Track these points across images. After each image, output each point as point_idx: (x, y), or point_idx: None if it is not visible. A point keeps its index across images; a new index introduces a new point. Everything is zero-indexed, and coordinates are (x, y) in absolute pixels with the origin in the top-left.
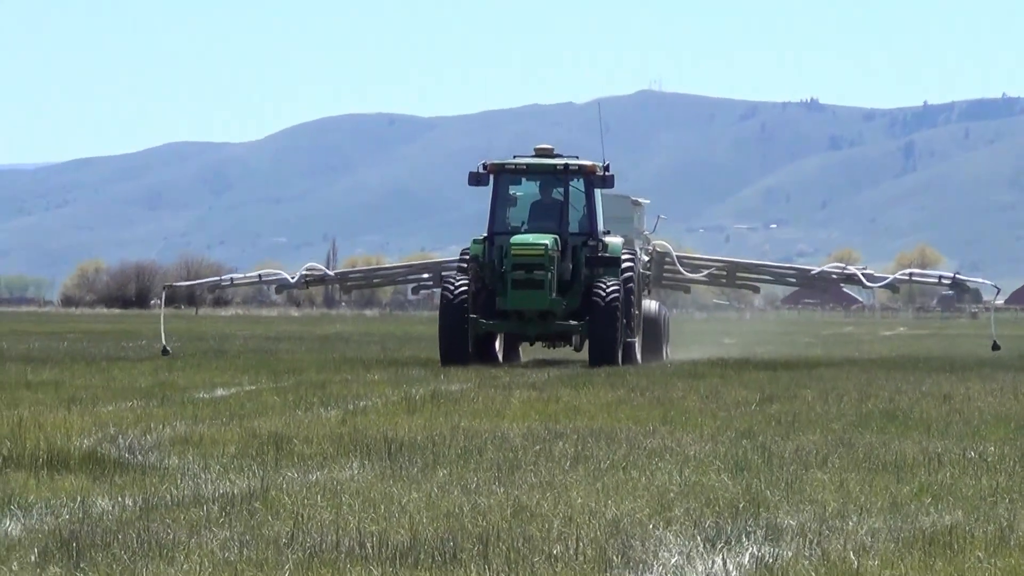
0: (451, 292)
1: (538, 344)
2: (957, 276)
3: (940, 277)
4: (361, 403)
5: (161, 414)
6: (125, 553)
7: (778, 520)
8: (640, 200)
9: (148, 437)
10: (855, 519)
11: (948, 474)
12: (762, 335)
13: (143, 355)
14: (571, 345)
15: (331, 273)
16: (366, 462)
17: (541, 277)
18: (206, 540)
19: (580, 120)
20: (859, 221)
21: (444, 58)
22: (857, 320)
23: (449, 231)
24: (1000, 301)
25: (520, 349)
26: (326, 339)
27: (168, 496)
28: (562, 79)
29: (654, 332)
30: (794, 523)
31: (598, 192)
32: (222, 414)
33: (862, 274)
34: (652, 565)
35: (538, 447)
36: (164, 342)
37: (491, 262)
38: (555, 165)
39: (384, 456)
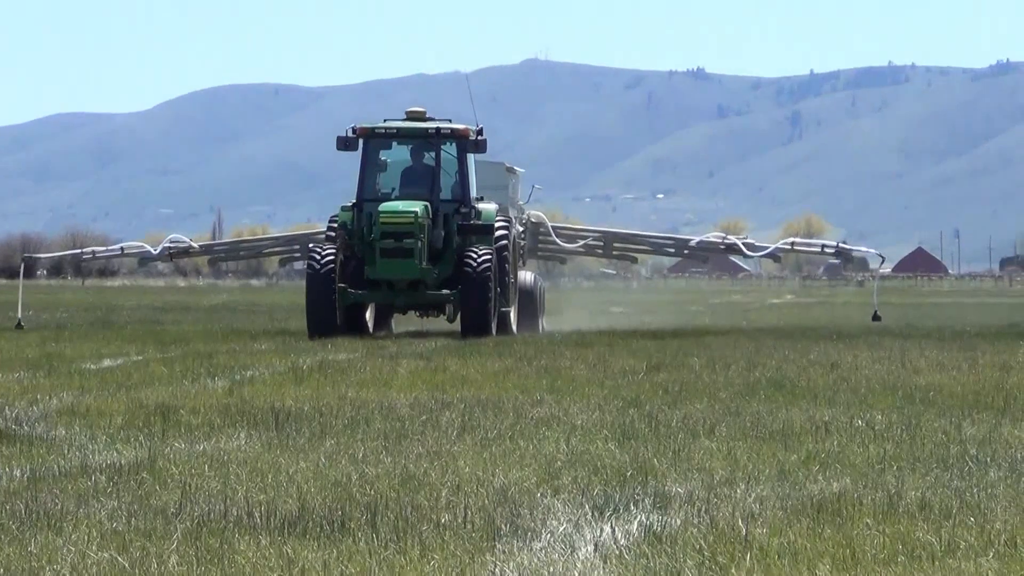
0: (317, 262)
1: (412, 314)
2: (840, 245)
3: (823, 246)
4: (248, 373)
5: (48, 385)
6: (13, 523)
7: (666, 488)
8: (515, 168)
9: (35, 408)
10: (743, 487)
11: (835, 442)
12: (650, 304)
13: (30, 326)
14: (444, 315)
15: (195, 245)
16: (253, 432)
17: (411, 245)
18: (94, 510)
19: (465, 90)
20: (746, 190)
21: (330, 27)
22: (744, 288)
23: (336, 202)
24: (887, 270)
25: (393, 320)
26: (213, 309)
27: (55, 467)
28: (448, 48)
29: (530, 303)
30: (682, 491)
31: (471, 157)
32: (109, 385)
33: (743, 243)
34: (540, 533)
35: (425, 417)
36: (20, 315)
37: (360, 230)
38: (426, 129)
39: (271, 426)
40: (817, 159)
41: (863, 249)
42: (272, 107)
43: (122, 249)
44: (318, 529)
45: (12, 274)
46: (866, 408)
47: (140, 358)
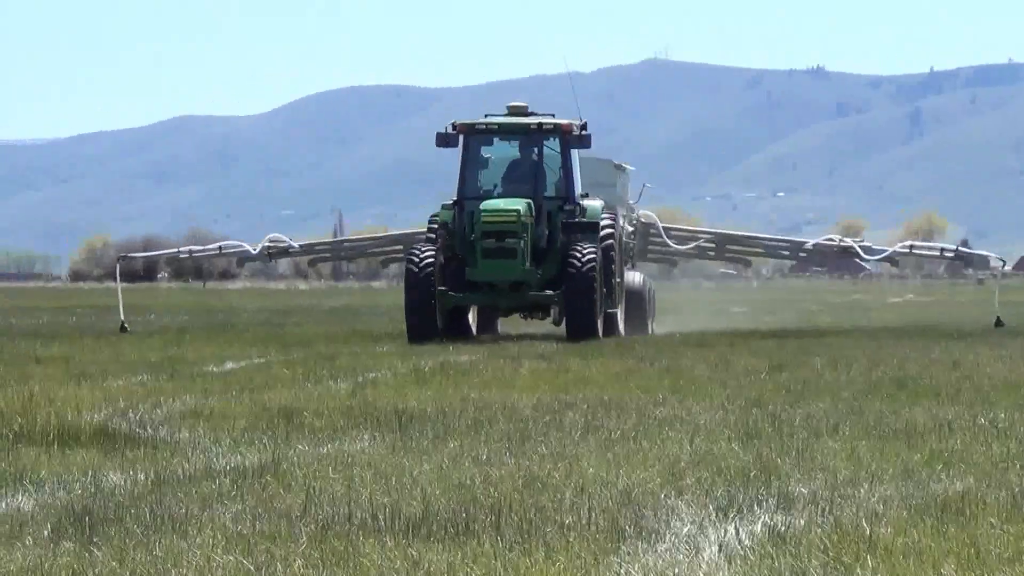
0: (416, 264)
1: (517, 316)
2: (960, 249)
3: (943, 249)
4: (371, 375)
5: (171, 388)
6: (138, 527)
7: (789, 488)
8: (624, 165)
9: (158, 411)
10: (866, 487)
11: (959, 441)
12: (771, 303)
13: (152, 329)
14: (550, 317)
15: (295, 245)
16: (377, 434)
17: (513, 245)
18: (218, 514)
19: (586, 90)
20: (866, 188)
21: (450, 29)
22: (865, 287)
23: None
24: (1007, 267)
25: (499, 322)
26: (334, 312)
27: (180, 470)
28: (568, 49)
29: (638, 305)
30: (806, 491)
31: (575, 153)
32: (232, 387)
33: (859, 247)
34: (664, 534)
35: (548, 418)
36: (123, 318)
37: (461, 229)
38: (528, 124)
39: (395, 428)
40: (937, 157)
41: (983, 253)
42: (392, 108)
43: (220, 248)
44: (442, 531)
45: (134, 277)
46: (989, 406)
47: (262, 360)
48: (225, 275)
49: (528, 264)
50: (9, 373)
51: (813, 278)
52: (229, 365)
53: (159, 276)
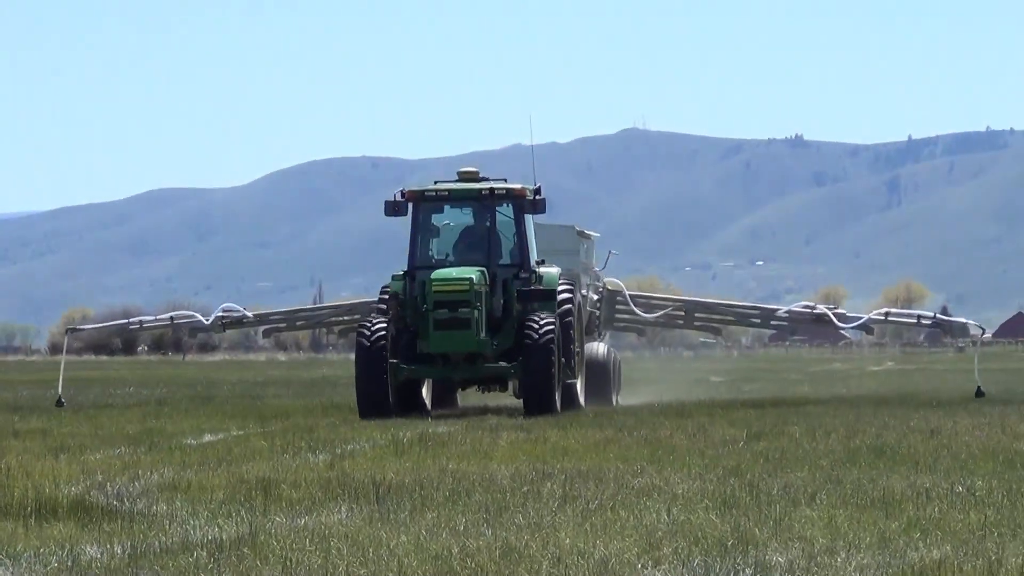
0: (367, 336)
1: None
2: (938, 317)
3: (919, 317)
4: (349, 447)
5: (149, 461)
6: None
7: (767, 558)
8: (588, 232)
9: (136, 484)
10: (844, 555)
11: (936, 509)
12: (750, 372)
13: (130, 402)
14: (508, 391)
15: (250, 315)
16: (354, 506)
17: (467, 315)
18: None
19: (564, 160)
20: (845, 256)
21: (426, 100)
22: (844, 356)
23: None
24: (987, 335)
25: (458, 395)
26: (313, 383)
27: (157, 543)
28: (546, 119)
29: (601, 376)
30: (783, 560)
31: (529, 219)
32: (210, 460)
33: (833, 314)
34: None
35: (526, 488)
36: (60, 392)
37: (413, 300)
38: (480, 190)
39: (372, 499)
40: (915, 225)
41: (962, 320)
42: (370, 179)
43: (172, 319)
44: None
45: (112, 351)
46: (967, 474)
47: (241, 433)
48: (204, 347)
49: (483, 335)
50: None
51: (792, 347)
52: (207, 437)
53: (139, 349)
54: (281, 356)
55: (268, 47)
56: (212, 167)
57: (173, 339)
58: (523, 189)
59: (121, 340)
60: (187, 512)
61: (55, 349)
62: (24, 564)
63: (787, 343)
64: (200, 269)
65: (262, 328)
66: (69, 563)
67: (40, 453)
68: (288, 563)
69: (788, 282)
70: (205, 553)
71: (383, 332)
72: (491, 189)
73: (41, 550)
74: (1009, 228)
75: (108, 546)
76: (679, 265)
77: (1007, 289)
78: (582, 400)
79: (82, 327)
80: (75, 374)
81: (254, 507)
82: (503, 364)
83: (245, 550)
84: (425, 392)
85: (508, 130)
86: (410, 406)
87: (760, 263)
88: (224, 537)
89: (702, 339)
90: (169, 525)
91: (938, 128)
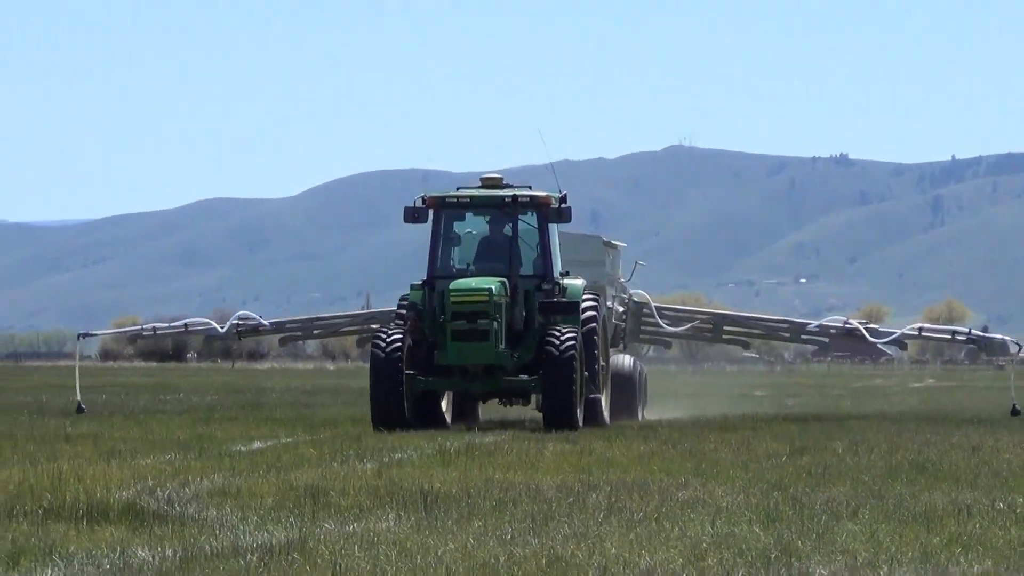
0: (382, 347)
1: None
2: (973, 332)
3: (954, 332)
4: (396, 455)
5: (199, 467)
6: None
7: (810, 570)
8: (615, 242)
9: (186, 489)
10: (886, 569)
11: (978, 524)
12: (792, 387)
13: (180, 408)
14: (531, 403)
15: (266, 323)
16: (402, 513)
17: (485, 327)
18: None
19: (610, 176)
20: (888, 275)
21: (477, 114)
22: (886, 372)
23: None
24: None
25: (480, 409)
26: (361, 392)
27: (207, 547)
28: (593, 135)
29: (627, 390)
30: (826, 572)
31: (554, 228)
32: (259, 466)
33: (865, 329)
34: None
35: (571, 499)
36: (79, 398)
37: (431, 310)
38: (503, 197)
39: (420, 507)
40: (959, 244)
41: (998, 336)
42: (419, 192)
43: (186, 326)
44: None
45: (163, 357)
46: (1008, 491)
47: (289, 440)
48: (253, 356)
49: (502, 347)
50: (40, 450)
51: (835, 363)
52: (257, 444)
53: (188, 356)
54: (330, 365)
55: (320, 59)
56: (262, 178)
57: (222, 347)
58: (548, 197)
59: (171, 347)
60: (237, 518)
61: (107, 355)
62: (77, 566)
63: (828, 359)
64: (250, 280)
65: (278, 336)
66: (121, 565)
67: (92, 458)
68: (337, 568)
69: (831, 300)
70: (255, 558)
71: (399, 342)
72: (514, 196)
73: (93, 552)
74: None
75: (159, 549)
76: (723, 281)
77: None
78: (606, 416)
79: (94, 332)
80: (127, 380)
81: (303, 513)
82: (524, 377)
83: (295, 555)
84: (445, 405)
85: (556, 144)
86: (429, 418)
87: (804, 280)
88: (274, 542)
89: (745, 353)
90: (219, 530)
91: (981, 148)
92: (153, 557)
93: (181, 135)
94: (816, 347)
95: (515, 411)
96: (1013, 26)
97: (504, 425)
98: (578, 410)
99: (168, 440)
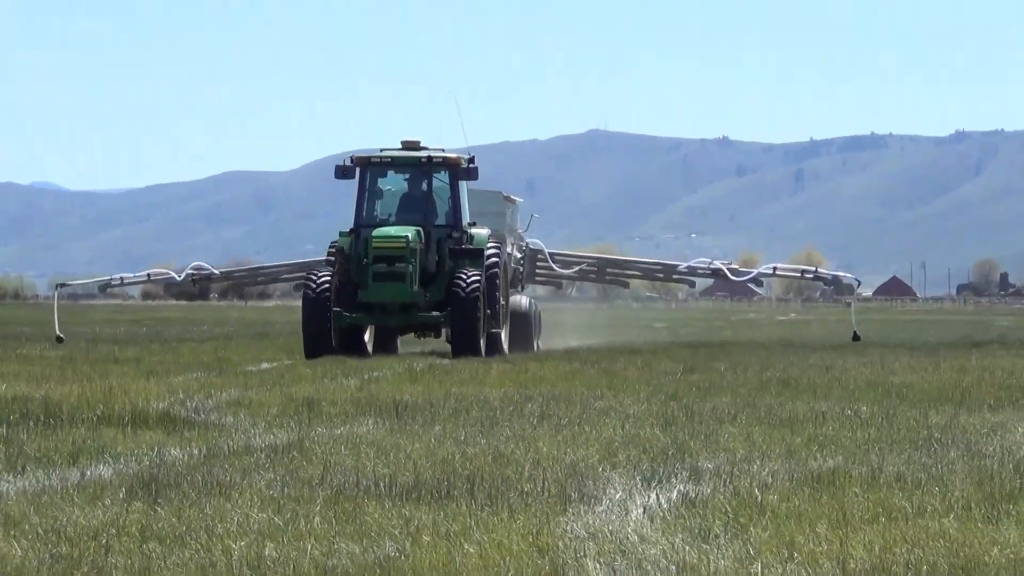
0: (313, 287)
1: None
2: (818, 270)
3: (803, 271)
4: (375, 374)
5: (220, 383)
6: (192, 491)
7: (699, 464)
8: (513, 197)
9: (209, 401)
10: (759, 463)
11: (831, 428)
12: (685, 320)
13: (204, 337)
14: (442, 336)
15: (216, 272)
16: (379, 420)
17: (402, 269)
18: (255, 481)
19: (543, 153)
20: (760, 231)
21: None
22: (758, 308)
23: None
24: (867, 293)
25: (399, 341)
26: None
27: (226, 447)
28: (528, 119)
29: (523, 325)
30: (711, 466)
31: (463, 184)
32: (266, 383)
33: (727, 268)
34: (602, 499)
35: (512, 408)
36: (58, 331)
37: (356, 255)
38: (419, 158)
39: (393, 415)
40: (816, 207)
41: (839, 274)
42: None
43: (148, 275)
44: (429, 496)
45: (191, 297)
46: (854, 401)
47: (290, 362)
48: (262, 295)
49: (416, 287)
50: (93, 370)
51: (718, 300)
52: (264, 365)
53: (211, 296)
54: None
55: (321, 59)
56: (272, 153)
57: (220, 288)
58: (458, 158)
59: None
60: (249, 423)
61: (146, 295)
62: (122, 462)
63: (713, 297)
64: (262, 235)
65: (229, 283)
66: (157, 461)
67: (135, 376)
68: (328, 464)
69: (715, 251)
70: (263, 455)
71: (327, 283)
72: (429, 157)
73: (135, 451)
74: (888, 211)
75: (188, 448)
76: (631, 236)
77: (886, 258)
78: (506, 347)
79: (70, 282)
80: (163, 315)
81: (301, 420)
82: (435, 314)
83: (294, 453)
84: (368, 337)
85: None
86: (353, 349)
87: (694, 236)
88: (278, 443)
89: (648, 293)
90: (235, 433)
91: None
92: (183, 455)
93: (208, 118)
94: (687, 285)
95: (428, 342)
96: (861, 26)
97: (422, 355)
98: (481, 341)
99: (195, 362)
